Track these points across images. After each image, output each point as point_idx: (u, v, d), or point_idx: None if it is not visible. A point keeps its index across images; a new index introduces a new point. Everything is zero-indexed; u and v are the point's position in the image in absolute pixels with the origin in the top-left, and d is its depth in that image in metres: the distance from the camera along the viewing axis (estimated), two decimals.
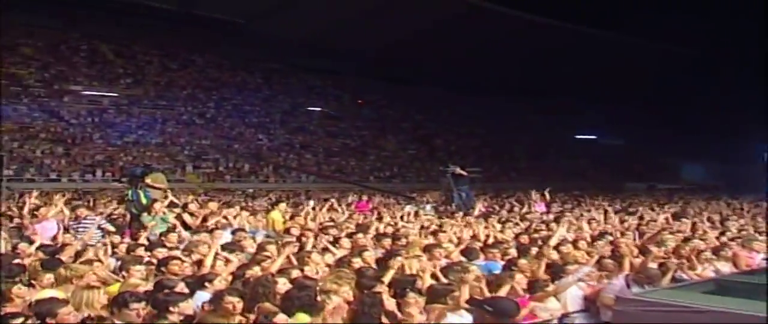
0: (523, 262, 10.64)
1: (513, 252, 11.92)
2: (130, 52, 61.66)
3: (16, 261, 9.46)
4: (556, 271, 10.18)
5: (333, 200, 22.65)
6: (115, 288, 8.36)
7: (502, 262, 11.19)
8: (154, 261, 10.12)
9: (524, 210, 22.62)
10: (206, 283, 8.43)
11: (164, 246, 11.41)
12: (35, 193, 17.52)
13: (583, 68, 68.47)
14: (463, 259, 11.23)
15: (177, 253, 10.63)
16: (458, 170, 24.38)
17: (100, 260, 10.12)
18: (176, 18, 61.63)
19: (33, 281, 8.44)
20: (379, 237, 13.27)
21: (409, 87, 70.46)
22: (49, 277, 8.46)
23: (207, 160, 51.11)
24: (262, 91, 63.99)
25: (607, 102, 73.85)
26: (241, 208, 19.52)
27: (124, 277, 9.18)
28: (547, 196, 25.78)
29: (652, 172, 67.12)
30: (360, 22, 61.74)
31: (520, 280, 9.54)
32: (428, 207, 25.03)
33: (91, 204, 21.58)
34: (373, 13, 60.41)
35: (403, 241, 12.85)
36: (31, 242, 11.60)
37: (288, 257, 10.13)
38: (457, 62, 66.86)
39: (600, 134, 79.20)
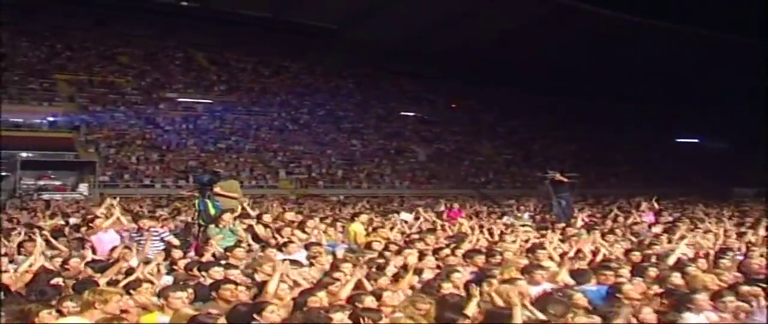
0: (637, 284, 8.78)
1: (625, 273, 9.72)
2: (223, 59, 61.75)
3: (56, 280, 7.92)
4: (681, 301, 8.03)
5: (420, 209, 20.56)
6: (150, 319, 6.85)
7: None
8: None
9: (631, 220, 19.53)
10: (255, 316, 6.80)
11: (222, 265, 9.66)
12: (108, 202, 15.68)
13: (684, 69, 64.75)
14: (569, 281, 9.38)
15: (236, 274, 9.02)
16: (558, 176, 21.68)
17: (150, 280, 8.57)
18: (269, 25, 61.46)
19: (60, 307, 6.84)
20: (471, 253, 11.21)
21: (504, 90, 67.95)
22: (72, 304, 6.90)
23: (300, 165, 49.93)
24: (354, 96, 62.71)
25: (709, 103, 69.73)
26: (323, 219, 17.59)
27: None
28: (656, 205, 23.19)
29: (760, 176, 62.97)
30: (452, 25, 60.07)
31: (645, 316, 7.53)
32: (526, 216, 22.79)
33: (167, 211, 20.21)
34: (466, 15, 58.39)
35: (498, 258, 10.91)
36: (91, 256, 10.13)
37: (361, 281, 8.52)
38: (552, 64, 64.20)
39: (703, 137, 75.03)
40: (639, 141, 68.52)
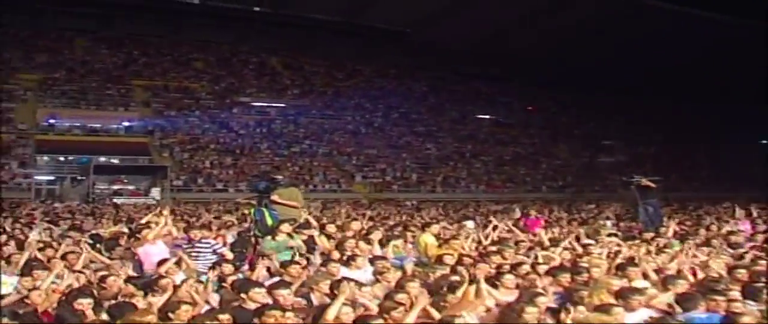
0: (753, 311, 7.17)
1: (736, 295, 7.91)
2: (297, 63, 61.34)
3: (81, 303, 7.05)
4: None
5: (492, 218, 18.49)
6: None
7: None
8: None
9: (726, 228, 17.26)
10: None
11: (265, 286, 8.15)
12: (166, 212, 14.28)
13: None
14: (675, 306, 7.75)
15: (286, 294, 7.63)
16: (645, 181, 19.65)
17: (192, 301, 7.44)
18: (342, 29, 60.91)
19: None
20: (555, 271, 9.51)
21: (580, 92, 65.67)
22: None
23: (374, 169, 48.88)
24: (428, 99, 61.39)
25: None
26: (393, 227, 16.01)
27: None
28: (753, 212, 21.00)
29: None
30: (526, 26, 58.50)
31: None
32: (609, 223, 20.81)
33: (235, 217, 19.09)
34: (540, 15, 56.74)
35: (585, 275, 9.22)
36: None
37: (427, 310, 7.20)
38: (628, 65, 61.73)
39: None
40: (721, 143, 65.29)
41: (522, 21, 58.22)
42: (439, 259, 10.58)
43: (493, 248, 11.76)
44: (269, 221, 12.16)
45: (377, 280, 9.05)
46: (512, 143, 58.66)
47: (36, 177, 41.30)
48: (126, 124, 47.33)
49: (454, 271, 9.54)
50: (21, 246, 11.89)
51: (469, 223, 17.89)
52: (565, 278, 9.02)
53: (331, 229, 12.81)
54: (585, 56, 60.44)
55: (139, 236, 11.35)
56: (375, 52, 62.54)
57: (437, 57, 62.21)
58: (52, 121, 45.69)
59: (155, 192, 38.57)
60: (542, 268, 9.75)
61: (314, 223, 13.23)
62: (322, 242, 11.78)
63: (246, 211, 17.18)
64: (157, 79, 53.50)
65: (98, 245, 12.37)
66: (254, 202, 13.31)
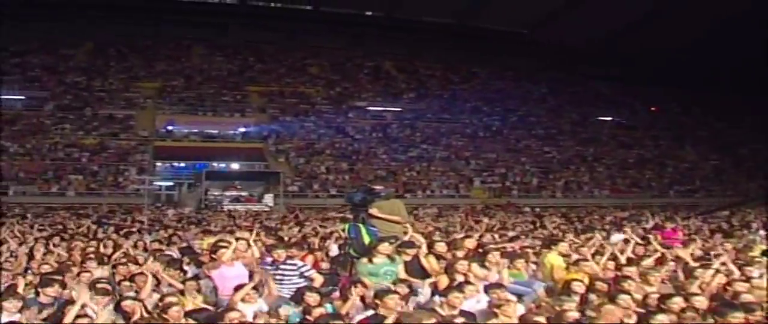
0: None
1: None
2: (412, 67, 59.69)
3: None
4: None
5: (627, 230, 15.55)
6: None
7: None
8: None
9: None
10: None
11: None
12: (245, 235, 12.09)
13: None
14: None
15: None
16: None
17: None
18: (456, 31, 59.33)
19: None
20: (720, 309, 7.28)
21: (705, 92, 61.28)
22: None
23: (493, 174, 46.44)
24: (547, 101, 58.62)
25: None
26: (513, 239, 13.71)
27: None
28: None
29: None
30: (647, 25, 54.90)
31: None
32: (762, 233, 17.48)
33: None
34: (662, 13, 53.08)
35: (758, 313, 7.22)
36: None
37: None
38: (756, 62, 57.03)
39: None
40: None
41: (643, 20, 54.99)
42: (568, 285, 8.65)
43: (632, 270, 9.50)
44: (366, 239, 9.97)
45: (494, 314, 7.44)
46: (636, 146, 55.05)
47: (156, 183, 40.79)
48: (242, 130, 46.88)
49: (584, 301, 7.99)
50: (101, 261, 10.81)
51: (616, 237, 14.84)
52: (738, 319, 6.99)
53: (440, 247, 10.30)
54: (709, 55, 56.28)
55: (216, 256, 9.49)
56: (490, 54, 60.42)
57: (555, 58, 59.71)
58: (170, 127, 45.59)
59: (268, 198, 37.08)
60: (701, 303, 7.71)
61: (420, 240, 10.96)
62: (430, 264, 9.55)
63: (341, 229, 14.64)
64: (272, 85, 53.08)
65: (187, 257, 10.95)
66: (349, 216, 11.55)
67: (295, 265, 9.29)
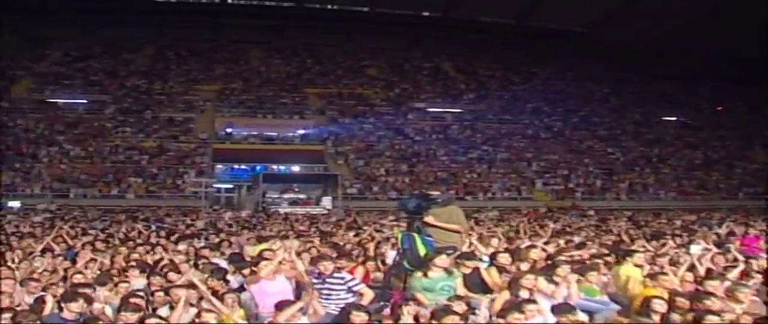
0: None
1: None
2: (470, 67, 58.62)
3: None
4: None
5: (704, 238, 14.01)
6: None
7: None
8: None
9: None
10: None
11: None
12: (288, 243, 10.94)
13: None
14: None
15: None
16: None
17: None
18: (515, 31, 58.40)
19: None
20: None
21: None
22: None
23: (556, 175, 44.96)
24: (609, 102, 56.85)
25: None
26: (579, 246, 12.24)
27: None
28: None
29: None
30: (710, 20, 52.44)
31: None
32: None
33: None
34: (727, 9, 50.84)
35: None
36: None
37: None
38: None
39: None
40: None
41: (707, 17, 52.59)
42: (646, 303, 7.49)
43: (714, 283, 8.14)
44: (421, 251, 8.80)
45: None
46: (702, 146, 52.93)
47: (216, 185, 40.43)
48: (301, 132, 46.31)
49: (664, 321, 7.14)
50: (144, 269, 9.89)
51: (696, 248, 13.21)
52: None
53: (503, 259, 9.24)
54: None
55: (256, 269, 8.49)
56: (550, 54, 59.13)
57: (617, 57, 57.48)
58: (229, 130, 45.26)
59: (327, 201, 36.14)
60: None
61: (482, 250, 9.94)
62: (491, 278, 8.54)
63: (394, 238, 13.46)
64: (330, 86, 52.66)
65: (233, 265, 9.95)
66: (402, 225, 10.24)
67: (342, 278, 8.27)
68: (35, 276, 9.40)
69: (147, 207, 33.33)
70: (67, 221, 21.88)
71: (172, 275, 9.08)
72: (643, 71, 59.22)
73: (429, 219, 9.27)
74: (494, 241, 11.85)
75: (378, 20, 57.08)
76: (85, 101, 47.46)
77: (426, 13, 58.54)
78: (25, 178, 38.48)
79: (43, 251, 12.28)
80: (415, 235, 8.90)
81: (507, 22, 57.51)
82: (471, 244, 10.43)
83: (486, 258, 9.64)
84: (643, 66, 58.70)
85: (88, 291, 7.74)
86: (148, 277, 9.15)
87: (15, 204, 34.30)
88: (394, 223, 17.01)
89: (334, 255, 9.33)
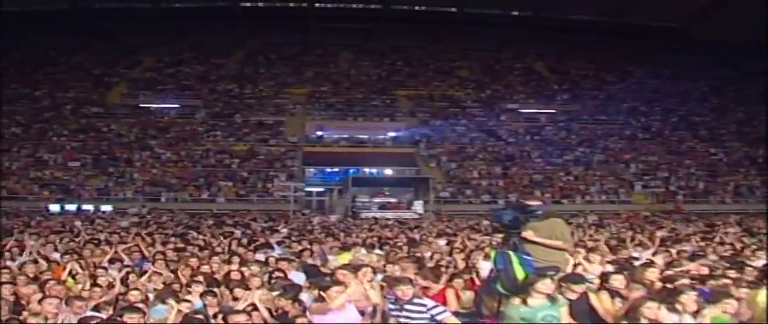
0: None
1: None
2: (563, 67, 56.65)
3: None
4: None
5: None
6: None
7: None
8: None
9: None
10: None
11: None
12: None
13: None
14: None
15: None
16: None
17: None
18: (608, 29, 55.37)
19: None
20: None
21: None
22: None
23: (655, 178, 42.60)
24: (710, 100, 54.13)
25: None
26: (689, 259, 10.16)
27: None
28: None
29: None
30: None
31: None
32: None
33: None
34: None
35: None
36: None
37: None
38: None
39: None
40: None
41: None
42: None
43: None
44: (519, 273, 7.05)
45: None
46: None
47: (307, 189, 39.71)
48: (392, 134, 45.30)
49: None
50: (211, 283, 9.05)
51: None
52: None
53: (616, 282, 7.46)
54: None
55: (326, 295, 6.93)
56: (644, 52, 56.18)
57: (716, 54, 54.64)
58: (319, 133, 44.68)
59: (418, 205, 34.80)
60: None
61: (590, 269, 8.39)
62: (602, 305, 6.92)
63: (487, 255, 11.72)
64: (421, 88, 51.68)
65: (309, 280, 8.75)
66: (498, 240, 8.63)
67: (424, 305, 6.78)
68: (96, 292, 8.47)
69: (236, 211, 33.10)
70: (153, 226, 21.18)
71: (239, 292, 7.98)
72: (743, 67, 55.98)
73: (528, 234, 7.57)
74: (595, 257, 10.04)
75: (466, 21, 55.23)
76: (177, 106, 47.77)
77: (515, 13, 56.48)
78: (118, 183, 38.82)
79: (112, 261, 11.31)
80: (511, 253, 7.22)
81: (599, 19, 55.06)
82: (577, 263, 8.74)
83: (594, 279, 8.04)
84: (744, 62, 55.48)
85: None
86: (201, 296, 8.02)
87: (107, 208, 34.58)
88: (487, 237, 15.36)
89: (417, 272, 8.19)
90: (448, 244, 14.31)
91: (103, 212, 32.56)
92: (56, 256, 12.16)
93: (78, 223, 22.91)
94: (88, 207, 34.71)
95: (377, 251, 13.00)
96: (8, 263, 11.18)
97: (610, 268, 9.23)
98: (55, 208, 34.43)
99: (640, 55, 56.19)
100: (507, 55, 57.22)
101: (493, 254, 7.64)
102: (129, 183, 38.62)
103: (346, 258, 11.48)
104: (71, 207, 34.77)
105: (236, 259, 11.11)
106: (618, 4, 53.32)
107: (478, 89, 51.81)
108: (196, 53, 55.08)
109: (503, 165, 42.29)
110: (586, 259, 9.49)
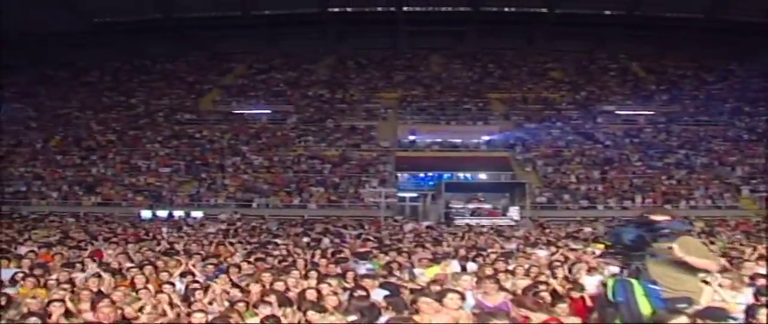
0: None
1: None
2: (660, 67, 54.36)
3: None
4: None
5: None
6: None
7: None
8: None
9: None
10: None
11: None
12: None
13: None
14: None
15: None
16: None
17: None
18: (706, 26, 52.57)
19: None
20: None
21: None
22: None
23: (764, 181, 39.82)
24: None
25: None
26: None
27: None
28: None
29: None
30: None
31: None
32: None
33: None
34: None
35: None
36: None
37: None
38: None
39: None
40: None
41: None
42: None
43: None
44: (644, 307, 5.86)
45: None
46: None
47: (400, 194, 38.91)
48: (486, 138, 44.05)
49: None
50: (284, 301, 8.40)
51: None
52: None
53: (763, 317, 6.05)
54: None
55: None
56: (746, 49, 53.17)
57: None
58: (411, 137, 43.94)
59: (514, 211, 33.39)
60: None
61: (728, 299, 7.13)
62: None
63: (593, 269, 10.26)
64: (514, 91, 50.23)
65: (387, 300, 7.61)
66: (616, 262, 7.03)
67: None
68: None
69: (327, 217, 32.41)
70: (241, 233, 20.53)
71: (312, 315, 7.28)
72: None
73: (676, 249, 6.12)
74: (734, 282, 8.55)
75: (558, 21, 53.81)
76: (268, 111, 47.74)
77: (608, 12, 54.41)
78: (210, 188, 38.83)
79: (184, 274, 10.65)
80: (634, 282, 6.04)
81: (696, 16, 52.45)
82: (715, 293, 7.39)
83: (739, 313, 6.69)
84: None
85: None
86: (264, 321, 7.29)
87: (198, 214, 34.61)
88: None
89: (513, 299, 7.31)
90: (551, 255, 13.29)
91: (194, 218, 32.54)
92: (130, 266, 11.48)
93: (165, 230, 22.67)
94: (179, 213, 34.79)
95: (470, 264, 12.01)
96: (76, 275, 10.60)
97: (748, 294, 7.84)
98: (146, 214, 34.62)
99: (741, 52, 53.43)
100: (601, 55, 55.37)
101: (610, 283, 6.32)
102: (220, 189, 38.60)
103: (434, 272, 10.60)
104: (162, 213, 34.90)
105: (315, 274, 10.31)
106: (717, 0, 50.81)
107: (573, 91, 50.13)
108: (286, 59, 55.20)
109: (601, 169, 40.48)
110: (729, 285, 8.13)
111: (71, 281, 9.81)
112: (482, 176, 40.56)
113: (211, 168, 40.81)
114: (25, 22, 52.10)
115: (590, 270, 10.12)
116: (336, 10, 54.34)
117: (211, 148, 43.29)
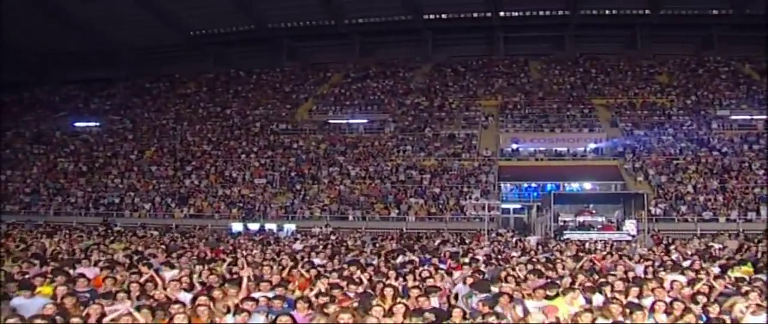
0: None
1: None
2: None
3: None
4: None
5: None
6: None
7: None
8: None
9: None
10: None
11: None
12: None
13: None
14: None
15: None
16: None
17: None
18: None
19: None
20: None
21: None
22: None
23: None
24: None
25: None
26: None
27: None
28: None
29: None
30: None
31: None
32: None
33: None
34: None
35: None
36: None
37: None
38: None
39: None
40: None
41: None
42: None
43: None
44: None
45: None
46: None
47: (503, 206, 36.92)
48: (592, 146, 41.23)
49: None
50: None
51: None
52: None
53: None
54: None
55: None
56: None
57: None
58: (514, 146, 41.75)
59: (630, 225, 29.88)
60: None
61: None
62: None
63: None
64: (619, 96, 47.45)
65: None
66: None
67: None
68: None
69: (427, 230, 30.78)
70: (328, 249, 18.03)
71: None
72: None
73: None
74: None
75: (662, 23, 51.29)
76: (364, 121, 46.48)
77: (715, 12, 51.23)
78: (304, 200, 37.73)
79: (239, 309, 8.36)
80: None
81: None
82: None
83: None
84: None
85: None
86: None
87: (290, 227, 33.30)
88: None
89: None
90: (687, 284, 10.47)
91: (286, 232, 31.32)
92: (182, 296, 9.11)
93: (249, 245, 20.31)
94: (271, 226, 33.55)
95: (596, 297, 9.62)
96: (117, 306, 8.18)
97: None
98: (237, 227, 33.51)
99: None
100: (709, 57, 52.04)
101: None
102: (315, 201, 37.32)
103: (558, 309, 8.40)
104: (254, 226, 33.69)
105: (400, 309, 8.09)
106: None
107: (682, 95, 46.91)
108: (382, 68, 54.24)
109: (720, 178, 37.31)
110: None
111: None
112: (589, 186, 37.80)
113: (306, 179, 39.79)
114: (123, 36, 52.50)
115: (757, 309, 7.88)
116: (431, 17, 52.96)
117: (306, 158, 42.33)
